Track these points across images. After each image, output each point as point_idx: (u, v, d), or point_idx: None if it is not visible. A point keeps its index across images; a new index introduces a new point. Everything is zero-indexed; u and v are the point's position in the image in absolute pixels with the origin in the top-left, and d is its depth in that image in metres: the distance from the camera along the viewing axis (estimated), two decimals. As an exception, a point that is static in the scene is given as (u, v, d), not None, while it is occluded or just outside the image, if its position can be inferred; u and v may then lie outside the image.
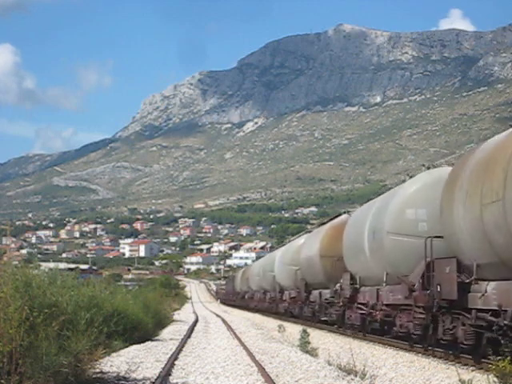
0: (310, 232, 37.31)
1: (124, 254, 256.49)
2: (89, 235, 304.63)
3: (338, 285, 26.02)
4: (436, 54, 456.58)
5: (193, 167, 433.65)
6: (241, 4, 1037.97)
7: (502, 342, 13.32)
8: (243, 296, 66.68)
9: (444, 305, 15.88)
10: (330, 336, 26.88)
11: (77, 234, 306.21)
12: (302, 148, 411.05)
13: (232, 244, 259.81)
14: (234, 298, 79.13)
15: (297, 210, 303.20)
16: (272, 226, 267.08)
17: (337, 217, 31.09)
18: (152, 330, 24.88)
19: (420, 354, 18.20)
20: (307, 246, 32.27)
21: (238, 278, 72.42)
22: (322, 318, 31.01)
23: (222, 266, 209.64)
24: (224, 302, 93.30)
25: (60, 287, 13.14)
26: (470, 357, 15.67)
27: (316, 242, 29.91)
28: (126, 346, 19.79)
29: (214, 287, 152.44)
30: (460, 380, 12.49)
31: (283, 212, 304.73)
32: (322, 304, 30.66)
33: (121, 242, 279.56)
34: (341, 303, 25.85)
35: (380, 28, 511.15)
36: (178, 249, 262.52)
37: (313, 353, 18.89)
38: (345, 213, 33.83)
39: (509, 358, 11.95)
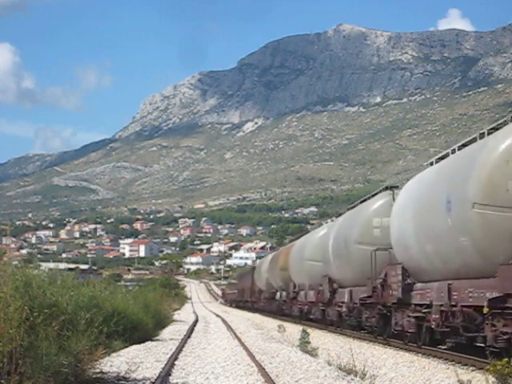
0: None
1: (124, 254, 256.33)
2: (89, 235, 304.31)
3: None
4: (436, 54, 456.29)
5: (193, 167, 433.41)
6: (241, 4, 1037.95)
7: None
8: (272, 297, 46.90)
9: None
10: (329, 336, 26.87)
11: (77, 234, 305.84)
12: (302, 148, 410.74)
13: (232, 244, 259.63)
14: (252, 299, 60.28)
15: (297, 210, 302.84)
16: (272, 226, 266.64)
17: None
18: (152, 330, 24.87)
19: (420, 354, 18.21)
20: None
21: (262, 269, 51.78)
22: None
23: (222, 266, 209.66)
24: (236, 306, 79.11)
25: (60, 287, 13.15)
26: (470, 357, 15.72)
27: None
28: (126, 346, 19.80)
29: (215, 288, 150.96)
30: (459, 380, 12.49)
31: (283, 212, 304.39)
32: None
33: (121, 242, 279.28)
34: None
35: (380, 28, 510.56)
36: (177, 249, 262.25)
37: (313, 353, 18.88)
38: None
39: (505, 359, 11.96)
